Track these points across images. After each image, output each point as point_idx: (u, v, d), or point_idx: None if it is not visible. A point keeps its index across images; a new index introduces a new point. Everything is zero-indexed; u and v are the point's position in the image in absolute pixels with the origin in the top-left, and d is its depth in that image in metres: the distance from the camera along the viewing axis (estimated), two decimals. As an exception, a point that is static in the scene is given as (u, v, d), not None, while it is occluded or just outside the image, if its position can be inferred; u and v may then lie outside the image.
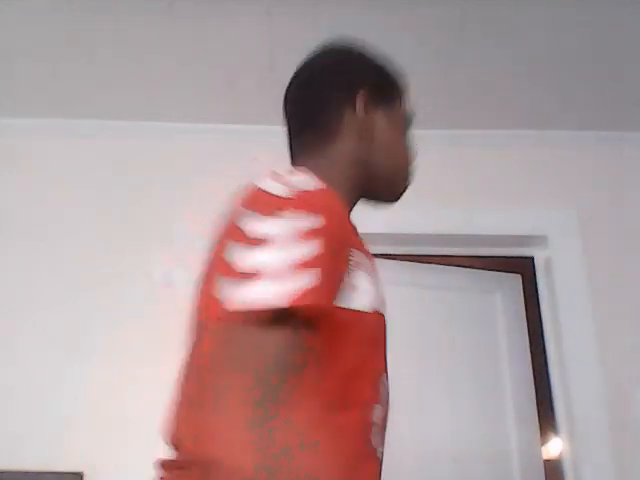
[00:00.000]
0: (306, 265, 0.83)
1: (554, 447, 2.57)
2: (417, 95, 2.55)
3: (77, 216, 2.54)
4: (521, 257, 2.72)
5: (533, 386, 2.61)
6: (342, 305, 0.89)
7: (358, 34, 2.25)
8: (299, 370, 0.83)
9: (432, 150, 2.70)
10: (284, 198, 0.91)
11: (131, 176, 2.62)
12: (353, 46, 1.24)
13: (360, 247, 0.99)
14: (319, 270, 0.83)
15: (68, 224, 2.53)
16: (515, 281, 2.78)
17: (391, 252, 2.68)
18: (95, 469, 2.19)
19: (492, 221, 2.61)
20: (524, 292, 2.76)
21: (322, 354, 0.87)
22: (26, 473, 2.15)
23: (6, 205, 2.57)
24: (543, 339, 2.58)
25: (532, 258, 2.69)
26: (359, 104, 1.12)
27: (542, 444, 2.65)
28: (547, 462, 2.59)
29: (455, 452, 2.46)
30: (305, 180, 0.95)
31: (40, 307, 2.40)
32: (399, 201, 1.19)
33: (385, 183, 1.14)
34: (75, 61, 2.37)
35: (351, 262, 0.93)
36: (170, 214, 2.56)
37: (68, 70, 2.41)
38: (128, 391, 2.29)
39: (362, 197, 1.13)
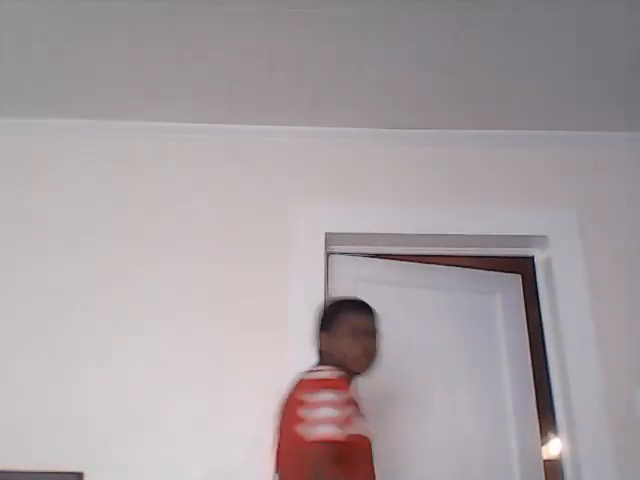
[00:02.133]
0: (349, 420, 1.72)
1: (554, 447, 2.57)
2: (417, 95, 2.56)
3: (77, 216, 2.54)
4: (521, 257, 2.71)
5: (533, 386, 2.61)
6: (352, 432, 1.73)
7: (358, 34, 2.26)
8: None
9: (432, 150, 2.71)
10: (328, 380, 1.77)
11: (131, 176, 2.62)
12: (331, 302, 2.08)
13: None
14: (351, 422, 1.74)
15: (68, 224, 2.53)
16: (515, 281, 2.78)
17: (391, 252, 2.68)
18: (95, 469, 2.19)
19: (492, 221, 2.61)
20: (524, 292, 2.76)
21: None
22: (26, 473, 2.15)
23: (6, 205, 2.57)
24: (543, 339, 2.58)
25: (532, 258, 2.69)
26: (323, 334, 1.99)
27: (542, 444, 2.65)
28: (547, 462, 2.59)
29: (455, 452, 2.46)
30: (329, 371, 1.82)
31: (40, 307, 2.40)
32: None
33: (347, 366, 1.90)
34: (75, 61, 2.37)
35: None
36: (170, 213, 2.56)
37: (68, 70, 2.41)
38: (128, 391, 2.29)
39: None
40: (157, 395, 2.29)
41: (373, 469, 1.82)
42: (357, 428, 1.76)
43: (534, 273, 2.68)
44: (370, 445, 1.82)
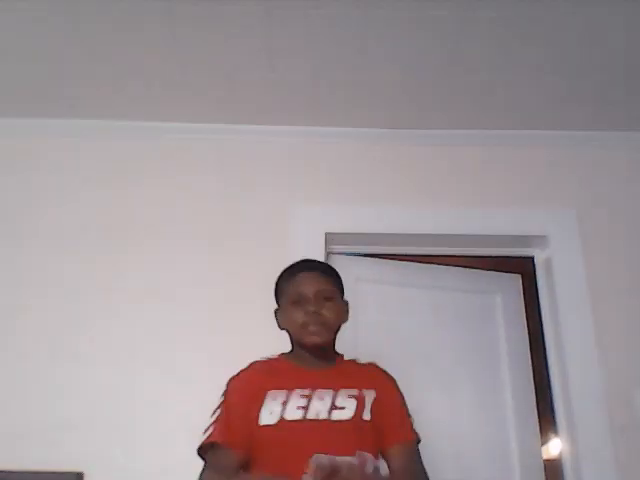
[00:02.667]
0: (217, 421, 1.70)
1: (554, 447, 2.57)
2: (417, 95, 2.56)
3: (77, 216, 2.54)
4: (521, 257, 2.72)
5: (533, 386, 2.61)
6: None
7: (358, 34, 2.26)
8: None
9: (432, 150, 2.71)
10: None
11: (131, 176, 2.62)
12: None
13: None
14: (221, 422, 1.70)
15: (67, 224, 2.53)
16: (515, 281, 2.78)
17: (391, 252, 2.68)
18: (95, 469, 2.19)
19: (492, 221, 2.61)
20: (524, 292, 2.76)
21: None
22: (26, 473, 2.15)
23: (6, 205, 2.57)
24: (543, 339, 2.58)
25: (532, 258, 2.69)
26: (277, 312, 1.85)
27: (542, 444, 2.65)
28: (547, 462, 2.59)
29: (455, 452, 2.46)
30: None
31: (39, 308, 2.40)
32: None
33: (300, 341, 1.77)
34: (75, 61, 2.37)
35: None
36: (170, 213, 2.56)
37: (68, 70, 2.41)
38: (128, 391, 2.29)
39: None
40: (158, 395, 2.29)
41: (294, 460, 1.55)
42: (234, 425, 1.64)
43: (534, 273, 2.68)
44: (286, 434, 1.62)
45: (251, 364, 1.77)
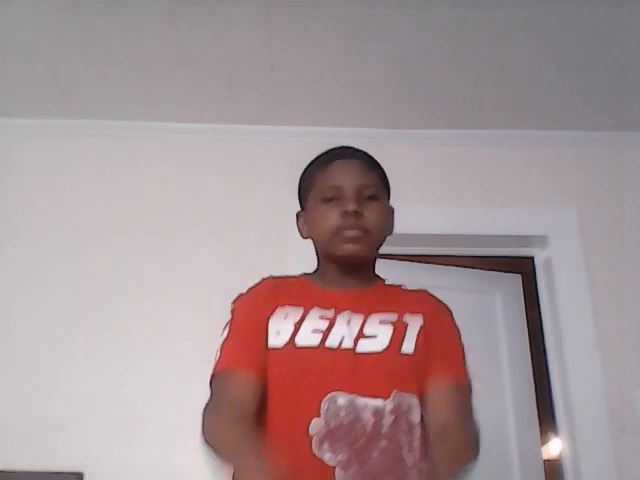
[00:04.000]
0: (224, 346, 1.36)
1: (554, 447, 2.57)
2: (417, 95, 2.56)
3: (77, 216, 2.54)
4: (521, 257, 2.71)
5: (533, 386, 2.61)
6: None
7: (358, 34, 2.25)
8: None
9: (432, 150, 2.71)
10: None
11: (131, 176, 2.62)
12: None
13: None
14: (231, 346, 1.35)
15: (67, 224, 2.53)
16: (515, 281, 2.78)
17: (391, 252, 2.67)
18: (95, 469, 2.19)
19: (492, 221, 2.61)
20: (524, 292, 2.75)
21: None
22: (26, 473, 2.15)
23: (5, 205, 2.57)
24: (543, 339, 2.58)
25: (532, 258, 2.69)
26: (300, 218, 1.48)
27: (542, 444, 2.65)
28: (547, 462, 2.58)
29: (455, 452, 2.46)
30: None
31: (39, 307, 2.40)
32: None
33: (327, 252, 1.40)
34: (75, 61, 2.37)
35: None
36: (170, 213, 2.56)
37: (68, 70, 2.41)
38: (128, 391, 2.29)
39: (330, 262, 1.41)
40: (158, 395, 2.29)
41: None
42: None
43: (534, 273, 2.68)
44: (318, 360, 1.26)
45: (262, 280, 1.42)
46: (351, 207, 1.33)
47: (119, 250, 2.49)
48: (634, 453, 2.29)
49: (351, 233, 1.33)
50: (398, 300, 1.38)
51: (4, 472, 2.15)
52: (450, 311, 1.45)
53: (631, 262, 2.56)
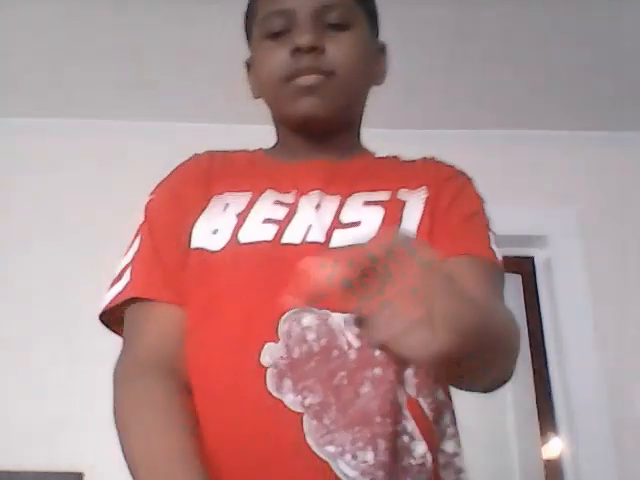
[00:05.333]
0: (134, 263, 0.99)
1: (554, 447, 2.57)
2: (417, 95, 2.56)
3: (77, 216, 2.54)
4: (521, 257, 2.71)
5: (533, 386, 2.61)
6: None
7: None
8: None
9: (432, 150, 2.70)
10: None
11: (131, 176, 2.62)
12: None
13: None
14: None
15: (68, 224, 2.53)
16: (515, 281, 2.78)
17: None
18: (95, 469, 2.18)
19: (492, 221, 2.61)
20: (524, 292, 2.75)
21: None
22: (26, 473, 2.15)
23: (6, 205, 2.57)
24: (543, 339, 2.58)
25: (532, 258, 2.69)
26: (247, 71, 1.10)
27: (542, 444, 2.65)
28: (547, 462, 2.58)
29: (455, 452, 2.46)
30: None
31: (40, 307, 2.40)
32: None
33: (271, 108, 1.03)
34: (75, 61, 2.37)
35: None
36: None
37: (68, 70, 2.41)
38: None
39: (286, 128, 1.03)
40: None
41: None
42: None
43: (534, 273, 2.68)
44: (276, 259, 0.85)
45: (192, 156, 1.05)
46: (304, 40, 0.90)
47: (119, 250, 2.49)
48: (634, 453, 2.29)
49: (305, 80, 0.92)
50: (390, 174, 1.01)
51: (4, 472, 2.15)
52: (468, 177, 1.10)
53: (631, 262, 2.56)
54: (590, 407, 2.34)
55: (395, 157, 1.09)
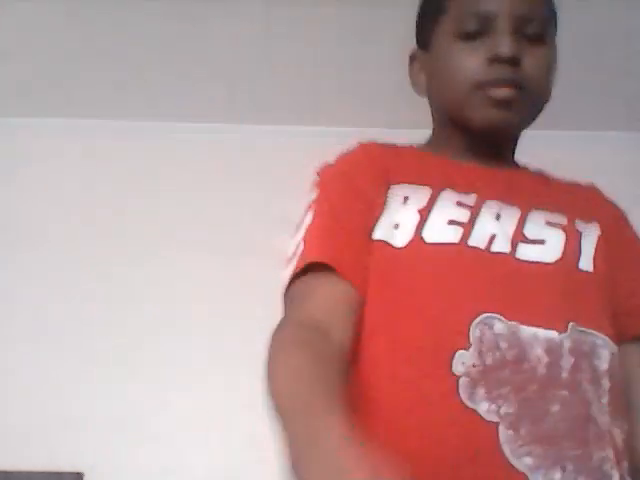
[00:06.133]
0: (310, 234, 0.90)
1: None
2: (417, 95, 2.55)
3: (77, 216, 2.54)
4: (521, 257, 2.71)
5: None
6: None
7: (358, 34, 2.25)
8: None
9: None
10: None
11: (131, 176, 2.62)
12: None
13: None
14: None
15: (68, 224, 2.53)
16: (515, 281, 2.78)
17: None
18: (95, 469, 2.18)
19: None
20: (524, 292, 2.75)
21: None
22: (26, 473, 2.15)
23: (6, 205, 2.57)
24: (543, 339, 2.58)
25: (532, 258, 2.69)
26: (414, 63, 1.10)
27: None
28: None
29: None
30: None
31: (40, 307, 2.40)
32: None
33: (449, 111, 0.97)
34: (75, 61, 2.37)
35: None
36: (169, 212, 2.56)
37: (68, 70, 2.41)
38: (128, 391, 2.29)
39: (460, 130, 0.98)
40: (158, 395, 2.29)
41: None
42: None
43: (534, 273, 2.68)
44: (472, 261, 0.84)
45: (357, 145, 0.98)
46: (507, 49, 0.86)
47: (119, 250, 2.49)
48: (634, 453, 2.29)
49: (501, 92, 0.88)
50: (564, 197, 0.95)
51: (4, 472, 2.15)
52: (630, 221, 1.05)
53: (631, 262, 2.56)
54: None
55: (543, 172, 1.07)
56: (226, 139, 2.67)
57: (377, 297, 0.82)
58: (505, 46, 0.87)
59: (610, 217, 0.99)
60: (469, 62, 0.90)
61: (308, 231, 0.87)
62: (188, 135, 2.67)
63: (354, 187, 0.90)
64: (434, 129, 1.01)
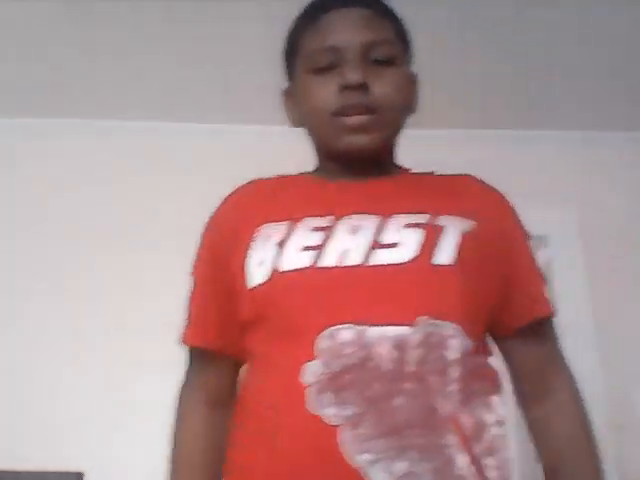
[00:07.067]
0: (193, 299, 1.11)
1: (554, 447, 2.57)
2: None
3: (78, 216, 2.54)
4: (521, 257, 2.71)
5: (533, 386, 2.61)
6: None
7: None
8: None
9: (432, 150, 2.71)
10: None
11: (131, 176, 2.62)
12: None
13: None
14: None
15: (69, 224, 2.53)
16: (515, 281, 2.78)
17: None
18: (95, 469, 2.18)
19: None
20: (524, 292, 2.76)
21: None
22: (26, 473, 2.15)
23: (6, 205, 2.57)
24: (543, 339, 2.58)
25: (532, 258, 2.69)
26: (285, 98, 1.12)
27: (542, 444, 2.65)
28: (547, 462, 2.59)
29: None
30: None
31: (40, 307, 2.40)
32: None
33: (316, 141, 1.06)
34: (75, 61, 2.37)
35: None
36: (170, 214, 2.56)
37: (68, 70, 2.41)
38: (128, 391, 2.29)
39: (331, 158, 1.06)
40: (158, 395, 2.29)
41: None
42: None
43: (534, 273, 2.68)
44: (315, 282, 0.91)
45: (240, 187, 1.12)
46: (353, 77, 0.94)
47: (119, 250, 2.49)
48: (634, 453, 2.29)
49: (355, 120, 0.96)
50: (431, 195, 1.00)
51: (4, 472, 2.15)
52: (510, 202, 1.11)
53: (631, 262, 2.56)
54: (590, 407, 2.34)
55: (431, 173, 1.11)
56: (226, 139, 2.67)
57: (260, 332, 0.94)
58: (351, 74, 0.95)
59: (489, 205, 1.05)
60: (324, 93, 0.97)
61: (190, 304, 1.06)
62: (188, 135, 2.67)
63: (221, 244, 1.04)
64: (317, 158, 1.10)
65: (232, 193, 1.11)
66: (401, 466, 0.81)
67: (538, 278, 1.10)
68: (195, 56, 2.34)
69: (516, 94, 2.52)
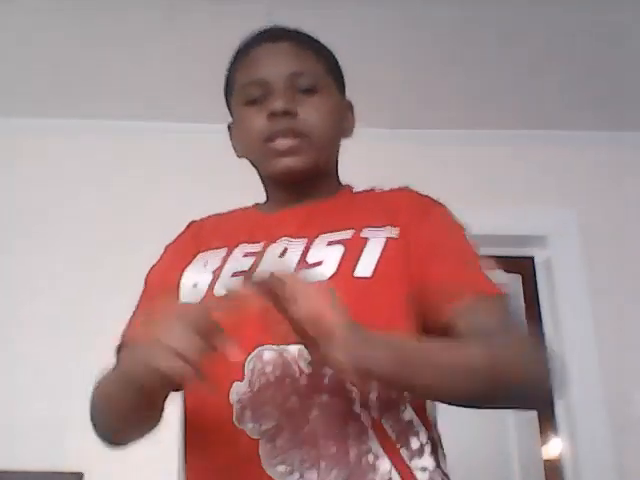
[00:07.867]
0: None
1: (554, 447, 2.57)
2: (417, 95, 2.56)
3: (77, 216, 2.54)
4: (521, 257, 2.71)
5: (533, 386, 2.61)
6: None
7: (358, 34, 2.25)
8: None
9: (431, 150, 2.71)
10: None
11: (131, 176, 2.62)
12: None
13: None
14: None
15: (68, 224, 2.53)
16: (515, 281, 2.78)
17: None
18: (95, 469, 2.18)
19: (492, 221, 2.60)
20: (524, 292, 2.75)
21: None
22: (26, 473, 2.15)
23: (6, 205, 2.57)
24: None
25: (532, 258, 2.69)
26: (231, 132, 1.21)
27: (542, 444, 2.65)
28: (547, 462, 2.58)
29: (455, 452, 2.46)
30: None
31: (41, 306, 2.40)
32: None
33: (256, 167, 1.13)
34: (75, 61, 2.37)
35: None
36: (170, 214, 2.55)
37: (69, 70, 2.41)
38: (128, 391, 2.29)
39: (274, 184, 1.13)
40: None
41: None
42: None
43: (534, 273, 2.68)
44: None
45: (190, 223, 1.19)
46: (277, 105, 1.01)
47: (121, 250, 2.49)
48: (634, 453, 2.29)
49: (283, 143, 1.02)
50: (358, 211, 1.04)
51: (4, 472, 2.15)
52: (442, 205, 1.13)
53: (631, 262, 2.56)
54: (590, 407, 2.34)
55: (372, 189, 1.12)
56: (225, 139, 2.67)
57: None
58: (278, 102, 1.02)
59: (413, 212, 1.04)
60: (255, 122, 1.05)
61: (132, 315, 1.19)
62: (188, 135, 2.67)
63: (169, 266, 1.14)
64: (263, 185, 1.16)
65: (185, 228, 1.19)
66: (311, 476, 0.86)
67: (465, 266, 1.01)
68: (195, 56, 2.34)
69: (516, 94, 2.52)
